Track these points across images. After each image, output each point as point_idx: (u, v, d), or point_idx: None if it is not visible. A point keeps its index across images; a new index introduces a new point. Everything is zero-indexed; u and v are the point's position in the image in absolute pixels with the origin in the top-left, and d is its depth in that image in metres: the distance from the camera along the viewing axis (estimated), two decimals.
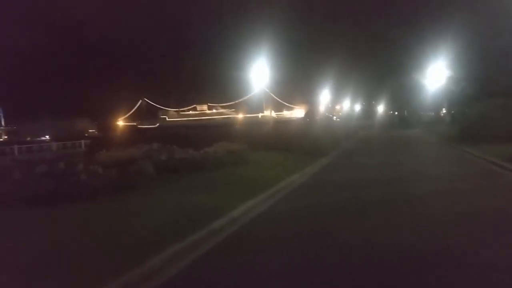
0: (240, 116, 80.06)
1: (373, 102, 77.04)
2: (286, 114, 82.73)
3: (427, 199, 8.09)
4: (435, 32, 39.13)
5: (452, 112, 48.68)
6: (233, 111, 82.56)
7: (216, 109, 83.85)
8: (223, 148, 16.90)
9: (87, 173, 8.93)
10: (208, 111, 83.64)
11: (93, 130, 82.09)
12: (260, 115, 78.36)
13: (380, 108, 73.34)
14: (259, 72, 29.61)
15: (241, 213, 7.22)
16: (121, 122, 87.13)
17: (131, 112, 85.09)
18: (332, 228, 6.20)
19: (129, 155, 14.00)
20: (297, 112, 78.10)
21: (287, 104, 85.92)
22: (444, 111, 55.27)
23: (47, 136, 73.63)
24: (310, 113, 52.14)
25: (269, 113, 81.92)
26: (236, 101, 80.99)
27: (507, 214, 6.68)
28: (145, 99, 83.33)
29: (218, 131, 25.45)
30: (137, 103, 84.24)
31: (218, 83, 71.59)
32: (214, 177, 10.76)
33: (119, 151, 15.04)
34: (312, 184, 10.90)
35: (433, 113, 56.38)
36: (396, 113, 74.52)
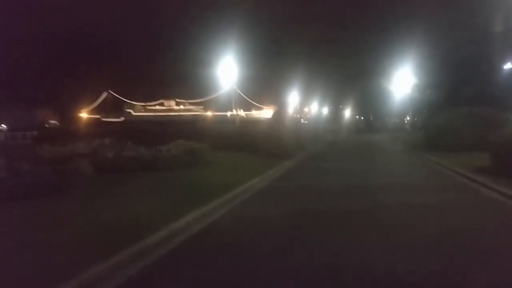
0: (209, 114, 78.46)
1: (340, 106, 77.42)
2: (255, 114, 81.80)
3: (394, 213, 7.21)
4: (401, 39, 39.31)
5: (415, 119, 49.38)
6: (201, 108, 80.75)
7: (184, 106, 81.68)
8: (182, 146, 15.67)
9: (9, 170, 7.54)
10: (175, 107, 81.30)
11: (54, 121, 78.29)
12: (229, 113, 77.04)
13: (347, 113, 73.76)
14: (228, 70, 28.72)
15: (184, 225, 6.10)
16: (84, 114, 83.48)
17: (95, 105, 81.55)
18: (285, 247, 5.17)
19: (74, 151, 12.59)
20: (266, 112, 77.35)
21: (257, 104, 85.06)
22: (408, 118, 56.02)
23: (3, 125, 69.53)
24: (278, 114, 51.60)
25: (238, 112, 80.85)
26: (205, 99, 79.23)
27: (481, 233, 5.86)
28: (110, 91, 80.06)
29: (182, 128, 24.11)
30: (101, 95, 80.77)
31: (187, 79, 69.72)
32: (162, 179, 9.56)
33: (65, 145, 13.59)
34: (271, 190, 9.88)
35: (397, 120, 57.01)
36: (362, 118, 75.22)
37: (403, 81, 35.95)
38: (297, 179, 11.71)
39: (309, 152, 20.95)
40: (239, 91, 76.69)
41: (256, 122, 39.02)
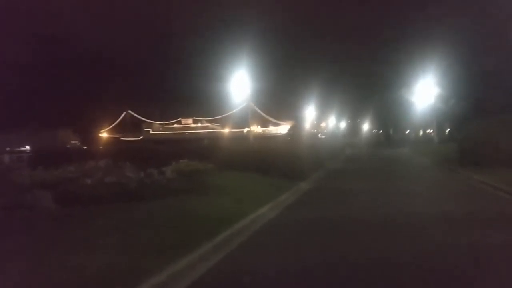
0: (226, 130, 76.83)
1: (358, 120, 74.59)
2: (272, 129, 79.73)
3: (464, 262, 4.89)
4: (423, 49, 36.73)
5: (444, 131, 46.21)
6: (218, 125, 79.20)
7: (202, 123, 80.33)
8: (184, 167, 13.64)
9: None
10: (193, 125, 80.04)
11: (76, 141, 78.11)
12: (245, 130, 75.25)
13: (366, 126, 70.85)
14: (244, 87, 27.48)
15: None
16: (105, 134, 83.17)
17: (114, 124, 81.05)
18: None
19: (59, 175, 10.66)
20: (283, 128, 75.21)
21: (273, 120, 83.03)
22: (431, 130, 52.84)
23: (27, 147, 69.46)
24: (294, 129, 49.44)
25: (255, 129, 79.09)
26: (222, 116, 77.70)
27: None
28: (129, 111, 79.46)
29: (192, 147, 22.14)
30: (121, 115, 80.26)
31: (205, 97, 68.31)
32: (141, 214, 7.39)
33: (54, 169, 11.68)
34: (281, 226, 7.60)
35: (420, 132, 53.87)
36: (381, 131, 72.09)
37: (425, 92, 33.23)
38: (314, 207, 9.38)
39: (327, 169, 18.60)
40: (255, 107, 75.00)
41: (271, 138, 36.99)
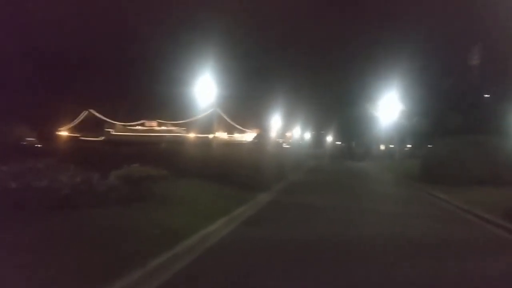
0: (192, 135, 75.03)
1: (322, 132, 74.89)
2: (237, 137, 78.79)
3: None
4: (388, 65, 37.10)
5: (406, 146, 46.76)
6: (184, 130, 77.26)
7: (167, 127, 78.13)
8: (134, 172, 12.30)
9: None
10: (157, 128, 77.66)
11: (33, 139, 73.83)
12: (211, 136, 73.83)
13: (330, 138, 71.17)
14: (210, 92, 26.50)
15: None
16: (64, 133, 79.18)
17: (75, 123, 77.32)
18: None
19: None
20: (249, 136, 74.41)
21: (239, 127, 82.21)
22: (391, 145, 53.52)
23: None
24: (260, 137, 48.72)
25: (221, 135, 77.84)
26: (188, 120, 75.92)
27: None
28: (90, 110, 76.09)
29: (149, 150, 20.65)
30: (82, 113, 76.72)
31: (171, 100, 66.50)
32: (66, 226, 6.10)
33: None
34: (234, 246, 6.53)
35: (382, 147, 54.45)
36: (344, 144, 72.60)
37: (389, 107, 33.34)
38: (272, 225, 8.29)
39: (290, 181, 17.69)
40: (221, 113, 73.95)
41: (236, 145, 35.88)
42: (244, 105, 70.28)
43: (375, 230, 7.67)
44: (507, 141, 16.16)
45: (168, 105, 68.86)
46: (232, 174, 13.93)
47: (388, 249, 6.40)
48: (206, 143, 38.17)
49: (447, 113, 32.78)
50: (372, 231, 7.58)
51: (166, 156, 15.85)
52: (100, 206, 7.51)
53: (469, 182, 13.98)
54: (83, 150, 19.21)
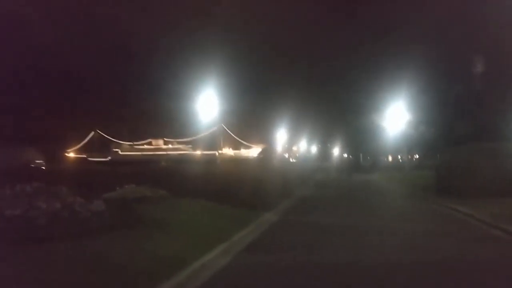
0: (198, 152, 74.23)
1: (329, 145, 73.66)
2: (243, 152, 77.72)
3: None
4: (394, 74, 36.12)
5: (415, 157, 45.38)
6: (190, 147, 76.50)
7: (173, 145, 77.38)
8: (128, 194, 11.39)
9: None
10: (163, 146, 76.96)
11: (41, 161, 73.62)
12: (217, 152, 73.05)
13: (336, 151, 69.90)
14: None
15: None
16: (71, 154, 78.88)
17: (82, 144, 76.98)
18: None
19: None
20: (255, 151, 73.38)
21: (245, 143, 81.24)
22: (399, 156, 52.14)
23: None
24: (265, 152, 47.66)
25: (227, 151, 77.03)
26: (194, 137, 75.19)
27: None
28: (97, 130, 75.79)
29: (149, 169, 19.73)
30: (89, 134, 76.40)
31: (176, 118, 65.94)
32: (35, 263, 5.08)
33: None
34: (228, 284, 5.47)
35: (390, 158, 53.07)
36: (350, 156, 71.27)
37: (396, 117, 32.23)
38: (276, 252, 7.18)
39: (297, 198, 16.60)
40: (227, 129, 73.29)
41: (241, 161, 34.99)
42: (249, 120, 69.56)
43: (396, 256, 6.58)
44: None
45: (174, 122, 68.31)
46: (235, 192, 12.93)
47: (417, 281, 5.32)
48: (209, 160, 37.28)
49: (455, 121, 31.55)
50: (392, 257, 6.49)
51: (165, 175, 14.95)
52: (78, 237, 6.52)
53: (488, 194, 12.84)
54: (80, 171, 18.38)
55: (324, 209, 13.11)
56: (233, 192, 12.85)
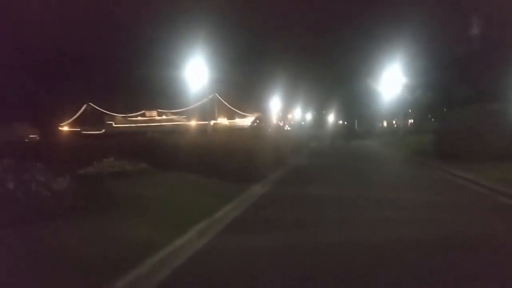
0: (192, 123, 73.00)
1: (324, 112, 72.48)
2: (238, 122, 76.61)
3: None
4: (389, 37, 34.60)
5: (410, 121, 44.41)
6: (184, 117, 75.21)
7: (166, 116, 76.06)
8: (106, 168, 10.40)
9: None
10: (157, 118, 75.67)
11: (35, 135, 72.41)
12: (212, 122, 71.81)
13: (331, 118, 68.83)
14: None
15: None
16: (65, 128, 77.55)
17: (75, 117, 75.47)
18: None
19: None
20: (249, 120, 72.24)
21: (240, 112, 79.96)
22: (394, 121, 51.23)
23: None
24: (259, 121, 46.74)
25: (222, 121, 75.82)
26: (188, 108, 73.72)
27: None
28: (90, 103, 74.10)
29: (134, 141, 18.64)
30: (81, 107, 74.75)
31: (169, 89, 64.24)
32: None
33: None
34: (200, 273, 4.57)
35: (385, 124, 52.15)
36: (345, 122, 70.30)
37: (392, 81, 30.96)
38: (260, 231, 6.26)
39: (289, 167, 15.69)
40: (221, 99, 71.79)
41: (234, 131, 33.93)
42: (243, 89, 68.08)
43: (399, 232, 5.70)
44: None
45: (167, 93, 66.65)
46: (224, 163, 11.95)
47: (427, 260, 4.47)
48: (202, 130, 36.13)
49: (453, 84, 30.44)
50: (395, 234, 5.61)
51: (151, 148, 13.93)
52: (32, 221, 5.57)
53: (490, 158, 12.02)
54: (63, 145, 17.36)
55: (317, 179, 12.21)
56: (221, 164, 11.88)
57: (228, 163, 11.93)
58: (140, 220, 6.06)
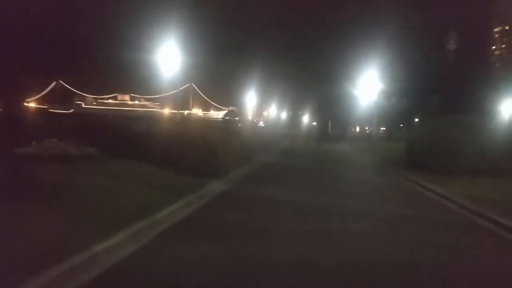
0: (166, 111, 71.10)
1: (299, 112, 72.16)
2: (213, 114, 75.33)
3: None
4: (367, 43, 34.44)
5: (384, 128, 44.43)
6: (157, 104, 73.17)
7: (140, 101, 73.68)
8: (46, 150, 9.17)
9: None
10: (129, 102, 73.19)
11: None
12: (186, 112, 70.17)
13: (306, 118, 68.58)
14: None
15: None
16: (32, 104, 73.88)
17: (43, 94, 71.99)
18: None
19: None
20: (224, 113, 71.07)
21: (216, 105, 78.72)
22: (368, 127, 51.33)
23: None
24: (232, 114, 45.76)
25: (196, 111, 74.35)
26: (162, 95, 71.75)
27: None
28: (60, 81, 70.84)
29: (88, 123, 17.21)
30: (51, 84, 71.35)
31: (144, 73, 62.04)
32: None
33: None
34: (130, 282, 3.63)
35: (358, 129, 52.20)
36: (319, 124, 70.30)
37: (369, 86, 30.62)
38: (208, 237, 5.31)
39: (256, 164, 14.80)
40: (197, 89, 70.32)
41: (204, 122, 32.74)
42: (220, 82, 66.89)
43: (363, 253, 4.88)
44: (496, 122, 13.85)
45: (141, 78, 64.53)
46: (185, 155, 10.92)
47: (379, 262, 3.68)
48: (171, 119, 34.80)
49: (428, 94, 30.53)
50: (359, 254, 4.79)
51: (107, 132, 12.69)
52: None
53: (463, 171, 11.58)
54: (12, 121, 15.83)
55: (282, 181, 11.34)
56: (182, 155, 10.85)
57: (190, 154, 10.94)
58: (61, 216, 4.98)
